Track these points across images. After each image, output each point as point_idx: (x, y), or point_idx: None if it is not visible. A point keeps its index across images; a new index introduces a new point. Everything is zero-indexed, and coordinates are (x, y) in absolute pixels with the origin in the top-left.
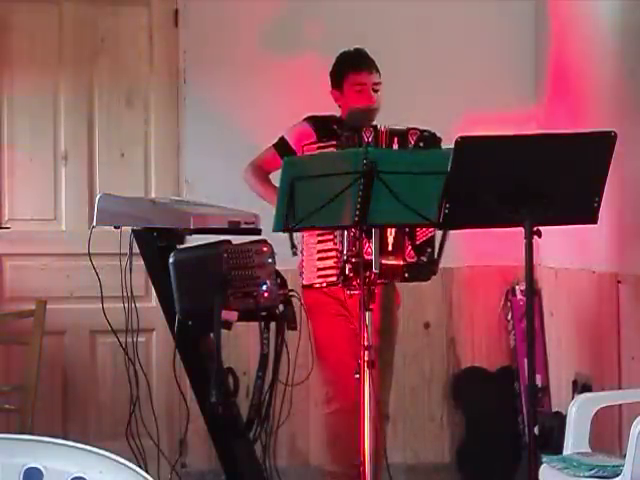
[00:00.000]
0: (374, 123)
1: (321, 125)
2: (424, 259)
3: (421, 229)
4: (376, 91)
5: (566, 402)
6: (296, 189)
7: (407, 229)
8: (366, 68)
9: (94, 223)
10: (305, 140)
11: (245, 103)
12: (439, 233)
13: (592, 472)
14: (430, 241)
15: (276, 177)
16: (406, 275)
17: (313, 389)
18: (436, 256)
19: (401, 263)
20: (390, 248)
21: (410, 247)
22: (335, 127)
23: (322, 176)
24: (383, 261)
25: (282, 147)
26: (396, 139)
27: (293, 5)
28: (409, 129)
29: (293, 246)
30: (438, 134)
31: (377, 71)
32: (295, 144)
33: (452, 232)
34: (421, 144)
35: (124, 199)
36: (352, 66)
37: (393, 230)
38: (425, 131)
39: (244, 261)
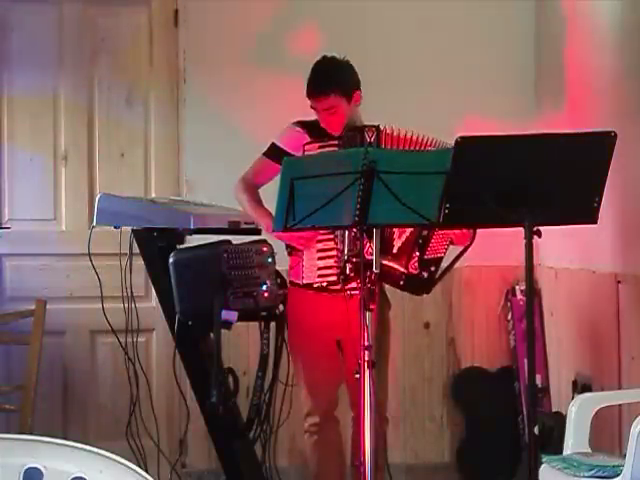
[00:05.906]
0: (376, 123)
1: (312, 127)
2: (425, 275)
3: (435, 245)
4: (331, 115)
5: (566, 402)
6: (296, 189)
7: (421, 240)
8: (316, 94)
9: (94, 223)
10: (300, 142)
11: (245, 103)
12: (450, 256)
13: (592, 472)
14: (438, 260)
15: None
16: (401, 283)
17: None
18: (437, 276)
19: (402, 270)
20: (395, 251)
21: (417, 258)
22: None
23: (322, 176)
24: (384, 261)
25: (276, 153)
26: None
27: (292, 5)
28: (425, 143)
29: (288, 246)
30: (449, 145)
31: (326, 93)
32: (290, 147)
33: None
34: None
35: (124, 199)
36: (307, 93)
37: (404, 235)
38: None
39: (244, 261)
